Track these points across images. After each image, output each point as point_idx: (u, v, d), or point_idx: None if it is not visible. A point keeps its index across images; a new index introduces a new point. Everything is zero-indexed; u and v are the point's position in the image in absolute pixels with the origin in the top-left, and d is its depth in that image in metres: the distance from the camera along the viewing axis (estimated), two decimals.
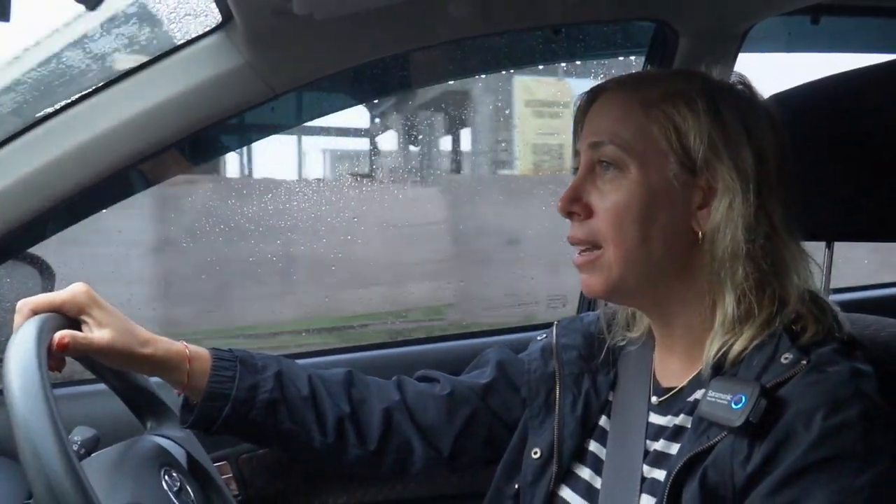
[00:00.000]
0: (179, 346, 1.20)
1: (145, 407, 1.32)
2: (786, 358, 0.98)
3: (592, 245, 1.12)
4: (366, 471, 1.33)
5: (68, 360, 1.12)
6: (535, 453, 1.23)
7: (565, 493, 1.20)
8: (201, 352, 1.21)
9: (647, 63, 1.84)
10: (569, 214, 1.14)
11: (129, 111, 1.42)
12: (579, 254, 1.14)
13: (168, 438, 1.27)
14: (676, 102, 1.08)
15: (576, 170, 1.17)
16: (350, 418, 1.27)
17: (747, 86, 1.14)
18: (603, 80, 1.19)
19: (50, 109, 1.43)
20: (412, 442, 1.30)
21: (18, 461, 0.91)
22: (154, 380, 1.25)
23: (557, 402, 1.24)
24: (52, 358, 1.07)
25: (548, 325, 1.37)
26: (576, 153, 1.19)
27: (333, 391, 1.28)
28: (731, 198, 1.05)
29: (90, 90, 1.44)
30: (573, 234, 1.14)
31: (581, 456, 1.21)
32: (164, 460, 1.20)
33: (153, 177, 1.68)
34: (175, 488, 1.16)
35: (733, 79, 1.14)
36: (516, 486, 1.25)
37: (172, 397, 1.27)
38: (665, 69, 1.71)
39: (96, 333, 1.11)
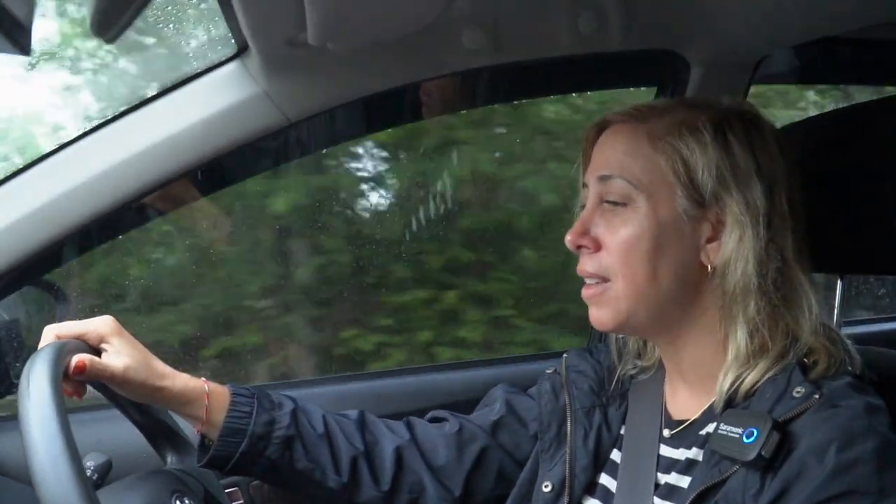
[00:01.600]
0: (199, 381, 1.21)
1: (166, 442, 1.32)
2: (798, 391, 0.97)
3: (602, 278, 1.12)
4: None
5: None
6: (546, 487, 1.22)
7: None
8: (220, 388, 1.22)
9: (658, 94, 1.84)
10: (577, 248, 1.14)
11: (146, 140, 1.44)
12: (587, 286, 1.14)
13: (187, 473, 1.27)
14: (683, 134, 1.08)
15: (583, 204, 1.17)
16: (364, 457, 1.27)
17: (756, 115, 1.13)
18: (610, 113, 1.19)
19: (67, 138, 1.45)
20: (424, 481, 1.29)
21: (31, 486, 0.91)
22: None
23: (569, 436, 1.23)
24: (70, 382, 1.09)
25: (557, 355, 1.37)
26: (583, 185, 1.18)
27: (347, 430, 1.29)
28: (742, 231, 1.05)
29: (107, 119, 1.46)
30: (582, 268, 1.14)
31: (591, 489, 1.20)
32: (176, 487, 1.20)
33: (167, 204, 1.69)
34: None
35: (742, 108, 1.14)
36: None
37: (193, 434, 1.28)
38: (672, 100, 1.71)
39: (113, 360, 1.13)
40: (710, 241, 1.08)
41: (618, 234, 1.10)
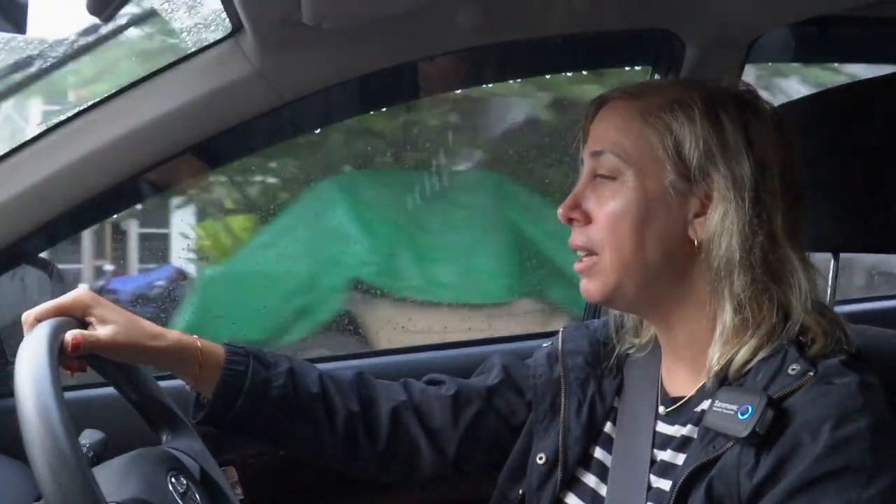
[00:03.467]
0: (191, 339, 1.20)
1: (161, 420, 1.31)
2: (793, 369, 0.98)
3: (590, 251, 1.13)
4: (373, 473, 1.33)
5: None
6: (540, 458, 1.23)
7: (571, 499, 1.20)
8: (214, 346, 1.22)
9: (653, 73, 1.84)
10: (569, 221, 1.16)
11: (140, 118, 1.43)
12: (579, 260, 1.15)
13: (182, 452, 1.28)
14: (674, 110, 1.09)
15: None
16: (360, 417, 1.28)
17: (754, 96, 1.14)
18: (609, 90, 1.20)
19: (62, 117, 1.44)
20: (419, 443, 1.30)
21: (27, 464, 0.91)
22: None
23: (563, 408, 1.24)
24: (69, 359, 1.09)
25: (553, 334, 1.38)
26: (581, 161, 1.20)
27: (343, 390, 1.29)
28: (727, 207, 1.05)
29: (102, 98, 1.46)
30: (572, 241, 1.15)
31: (586, 463, 1.21)
32: (171, 465, 1.20)
33: (163, 182, 1.69)
34: (181, 490, 1.17)
35: (739, 87, 1.15)
36: (521, 492, 1.25)
37: (188, 413, 1.28)
38: (670, 79, 1.72)
39: (101, 330, 1.12)
40: (697, 216, 1.09)
41: (606, 207, 1.11)
